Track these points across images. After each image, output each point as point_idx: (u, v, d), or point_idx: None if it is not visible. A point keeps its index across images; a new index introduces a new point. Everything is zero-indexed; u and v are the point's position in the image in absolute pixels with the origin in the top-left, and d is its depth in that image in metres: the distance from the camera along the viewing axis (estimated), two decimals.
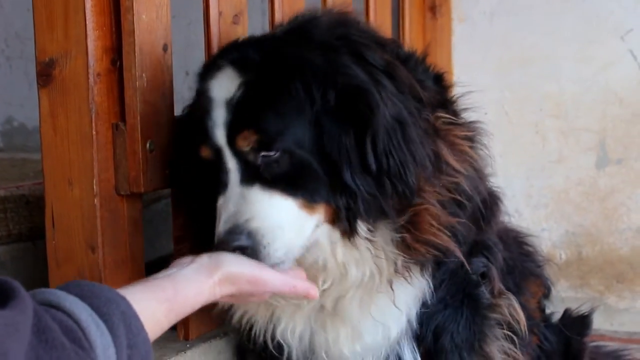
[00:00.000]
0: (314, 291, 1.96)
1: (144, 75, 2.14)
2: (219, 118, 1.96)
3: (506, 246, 2.52)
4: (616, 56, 3.51)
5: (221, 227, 1.91)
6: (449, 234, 2.08)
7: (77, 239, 2.14)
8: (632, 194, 3.53)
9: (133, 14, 2.11)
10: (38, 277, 2.39)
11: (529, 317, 2.56)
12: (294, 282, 1.92)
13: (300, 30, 2.10)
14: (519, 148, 3.66)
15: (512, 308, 2.42)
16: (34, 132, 4.39)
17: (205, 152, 2.00)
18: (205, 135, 1.98)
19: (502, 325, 2.41)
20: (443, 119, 2.16)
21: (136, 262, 2.24)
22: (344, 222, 1.98)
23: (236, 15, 2.45)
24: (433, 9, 3.70)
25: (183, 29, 3.59)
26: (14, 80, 4.60)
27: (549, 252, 3.50)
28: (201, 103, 2.03)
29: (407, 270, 2.09)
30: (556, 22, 3.56)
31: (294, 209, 1.94)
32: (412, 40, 3.55)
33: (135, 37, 2.12)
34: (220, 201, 1.96)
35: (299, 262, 2.02)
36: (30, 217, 2.72)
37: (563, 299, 3.42)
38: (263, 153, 1.92)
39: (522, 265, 2.67)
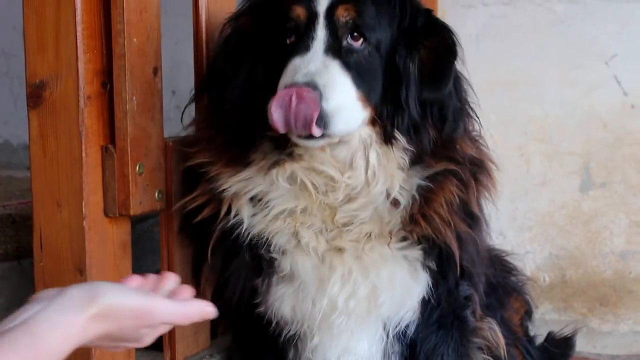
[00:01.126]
0: (209, 307, 1.68)
1: (134, 98, 2.15)
2: None
3: (490, 264, 2.55)
4: (600, 81, 3.54)
5: (297, 77, 1.99)
6: (455, 230, 2.20)
7: (65, 261, 2.14)
8: (616, 217, 3.56)
9: (124, 38, 2.12)
10: (23, 296, 2.38)
11: (512, 332, 2.60)
12: (186, 308, 1.63)
13: None
14: (504, 171, 3.67)
15: (492, 332, 2.48)
16: (19, 150, 4.40)
17: (299, 12, 2.10)
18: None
19: (484, 350, 2.45)
20: None
21: None
22: (384, 127, 2.13)
23: None
24: None
25: (170, 48, 3.59)
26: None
27: (533, 275, 3.52)
28: None
29: (409, 238, 2.20)
30: (542, 46, 3.59)
31: (354, 98, 2.06)
32: None
33: (126, 61, 2.13)
34: (296, 61, 2.04)
35: (333, 156, 2.13)
36: (16, 236, 2.72)
37: (547, 321, 3.44)
38: (351, 37, 2.08)
39: (504, 282, 2.72)
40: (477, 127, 2.40)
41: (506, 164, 3.64)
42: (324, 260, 2.20)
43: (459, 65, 2.24)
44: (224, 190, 2.16)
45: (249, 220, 2.18)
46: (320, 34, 2.07)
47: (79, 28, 2.09)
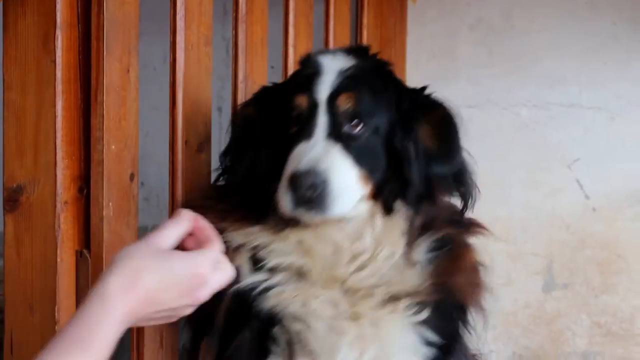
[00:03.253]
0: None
1: (110, 204, 2.17)
2: (327, 80, 2.23)
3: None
4: (563, 184, 3.64)
5: (301, 164, 2.11)
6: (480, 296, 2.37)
7: None
8: (578, 318, 3.62)
9: (103, 144, 2.16)
10: None
11: None
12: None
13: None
14: None
15: None
16: None
17: (301, 101, 2.23)
18: (306, 88, 2.23)
19: None
20: None
21: None
22: (384, 200, 2.23)
23: (201, 143, 2.52)
24: None
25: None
26: None
27: None
28: (309, 69, 2.29)
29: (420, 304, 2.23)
30: (507, 149, 3.69)
31: (355, 179, 2.17)
32: None
33: (104, 167, 2.16)
34: (301, 147, 2.15)
35: (340, 228, 2.20)
36: None
37: None
38: (351, 124, 2.20)
39: None
40: None
41: None
42: (334, 327, 2.22)
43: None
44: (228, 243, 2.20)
45: (255, 282, 2.22)
46: (322, 121, 2.19)
47: (59, 134, 2.12)
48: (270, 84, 2.45)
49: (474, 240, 2.48)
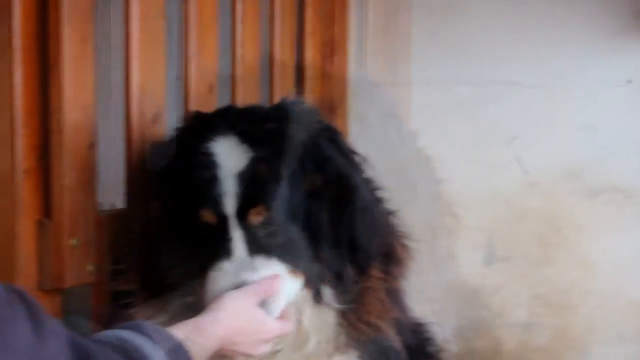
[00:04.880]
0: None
1: (71, 173, 2.18)
2: (229, 189, 2.12)
3: (410, 332, 2.65)
4: (503, 160, 3.72)
5: (231, 285, 2.08)
6: (389, 322, 2.30)
7: None
8: (518, 290, 3.71)
9: (62, 114, 2.16)
10: None
11: None
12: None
13: (286, 111, 2.30)
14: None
15: None
16: None
17: (208, 217, 2.14)
18: (211, 202, 2.13)
19: None
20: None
21: None
22: (315, 287, 2.21)
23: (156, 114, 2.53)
24: (332, 109, 3.83)
25: None
26: None
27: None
28: (206, 170, 2.15)
29: (347, 347, 2.26)
30: (449, 127, 3.76)
31: (285, 274, 2.15)
32: None
33: (63, 136, 2.17)
34: (225, 267, 2.10)
35: None
36: None
37: None
38: (268, 228, 2.13)
39: (423, 350, 2.80)
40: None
41: (413, 237, 3.80)
42: None
43: (365, 197, 2.30)
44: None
45: None
46: (237, 234, 2.12)
47: (17, 103, 2.12)
48: (163, 164, 2.29)
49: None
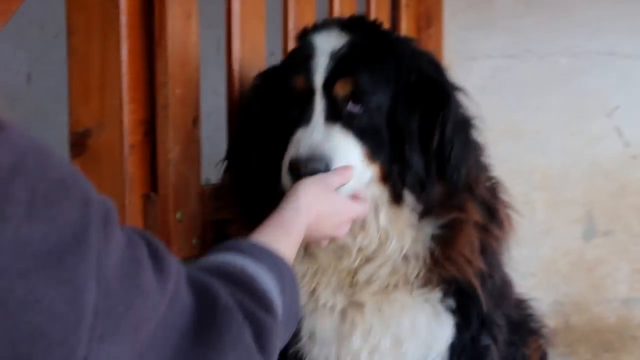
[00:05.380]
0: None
1: (176, 147, 2.21)
2: (321, 63, 2.17)
3: (514, 306, 2.63)
4: (603, 132, 3.66)
5: (302, 150, 2.10)
6: (476, 268, 2.26)
7: None
8: (618, 265, 3.65)
9: (168, 89, 2.19)
10: None
11: None
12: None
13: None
14: None
15: None
16: None
17: (297, 87, 2.19)
18: (302, 71, 2.19)
19: None
20: None
21: None
22: (393, 185, 2.19)
23: None
24: None
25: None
26: None
27: None
28: (303, 51, 2.24)
29: (429, 283, 2.25)
30: (545, 98, 3.71)
31: (359, 156, 2.14)
32: None
33: (169, 111, 2.19)
34: (300, 133, 2.13)
35: None
36: None
37: None
38: (350, 103, 2.16)
39: (525, 323, 2.78)
40: (491, 173, 2.47)
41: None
42: (344, 317, 2.27)
43: (460, 112, 2.31)
44: None
45: None
46: (319, 105, 2.15)
47: (124, 79, 2.14)
48: (267, 68, 2.41)
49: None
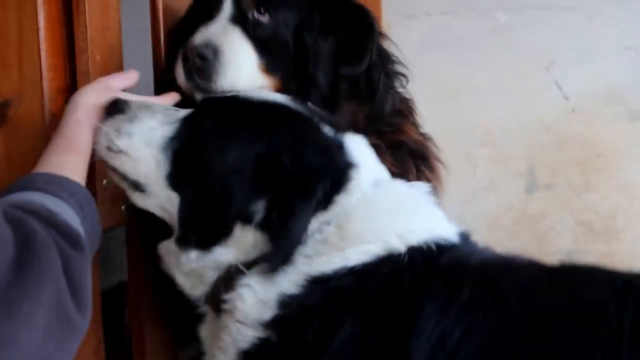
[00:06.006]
0: None
1: None
2: None
3: None
4: (542, 86, 3.66)
5: (197, 37, 2.15)
6: None
7: None
8: (561, 218, 3.68)
9: (88, 56, 2.15)
10: None
11: None
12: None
13: None
14: (451, 176, 3.77)
15: None
16: None
17: None
18: None
19: None
20: None
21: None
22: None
23: None
24: None
25: None
26: None
27: None
28: None
29: None
30: (484, 55, 3.70)
31: (255, 66, 2.18)
32: None
33: (90, 78, 2.16)
34: (201, 29, 2.19)
35: None
36: None
37: None
38: (258, 10, 2.20)
39: None
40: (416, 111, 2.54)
41: (453, 169, 3.77)
42: None
43: (385, 45, 2.38)
44: None
45: None
46: (227, 7, 2.21)
47: (43, 47, 2.11)
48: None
49: None
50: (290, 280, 1.82)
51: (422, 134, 2.47)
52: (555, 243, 3.68)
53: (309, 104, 2.13)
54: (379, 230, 1.85)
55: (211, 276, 1.94)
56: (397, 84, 2.42)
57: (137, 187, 2.01)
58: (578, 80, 3.65)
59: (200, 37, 2.15)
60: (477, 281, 1.77)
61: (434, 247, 1.85)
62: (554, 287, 1.79)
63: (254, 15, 2.20)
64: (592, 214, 3.66)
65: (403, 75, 2.46)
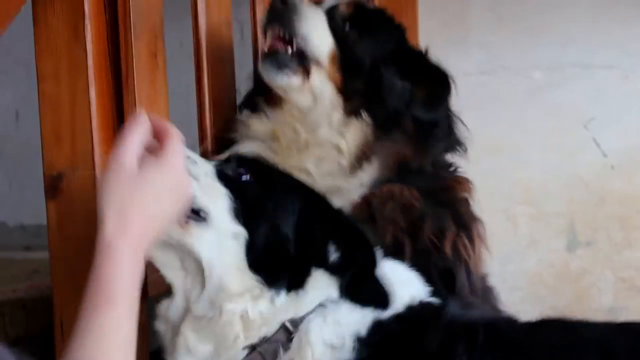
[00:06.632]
0: None
1: None
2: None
3: None
4: (580, 144, 3.69)
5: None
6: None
7: None
8: (602, 275, 3.68)
9: None
10: None
11: None
12: None
13: None
14: (492, 234, 3.79)
15: None
16: (15, 231, 4.45)
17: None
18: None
19: None
20: None
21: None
22: (350, 97, 2.38)
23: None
24: None
25: None
26: None
27: None
28: None
29: None
30: (523, 113, 3.75)
31: (327, 49, 2.37)
32: None
33: None
34: None
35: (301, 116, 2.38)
36: (26, 321, 2.76)
37: None
38: (349, 22, 2.42)
39: None
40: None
41: (494, 227, 3.79)
42: None
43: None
44: None
45: None
46: (322, 8, 2.43)
47: (94, 121, 2.18)
48: None
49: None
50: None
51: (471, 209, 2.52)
52: (596, 300, 3.68)
53: None
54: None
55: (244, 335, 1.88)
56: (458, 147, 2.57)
57: (199, 216, 1.88)
58: (616, 137, 3.68)
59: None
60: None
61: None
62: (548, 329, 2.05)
63: (343, 25, 2.38)
64: (633, 270, 3.66)
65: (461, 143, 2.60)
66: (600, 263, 3.69)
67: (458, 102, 3.79)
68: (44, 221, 2.24)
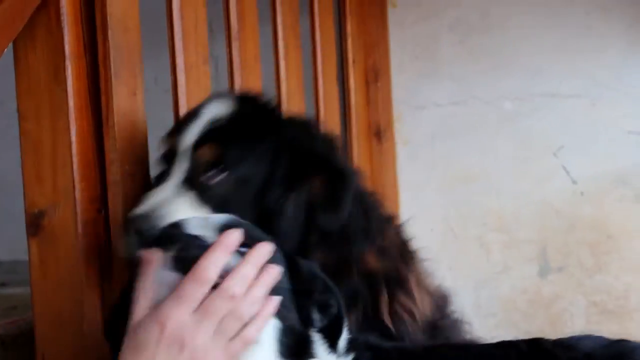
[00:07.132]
0: None
1: None
2: (197, 126, 2.17)
3: None
4: (550, 171, 3.77)
5: (140, 207, 2.08)
6: None
7: None
8: (574, 299, 3.75)
9: (117, 166, 2.27)
10: None
11: None
12: None
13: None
14: (466, 261, 3.87)
15: None
16: None
17: (166, 145, 2.23)
18: (174, 134, 2.22)
19: None
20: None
21: None
22: None
23: None
24: (378, 134, 3.93)
25: None
26: None
27: None
28: (187, 116, 2.26)
29: None
30: (493, 142, 3.83)
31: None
32: (360, 164, 3.76)
33: (120, 187, 2.27)
34: (151, 192, 2.14)
35: None
36: (5, 358, 2.78)
37: None
38: (212, 172, 2.11)
39: None
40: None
41: (467, 254, 3.87)
42: None
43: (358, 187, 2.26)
44: None
45: None
46: (180, 168, 2.15)
47: (75, 159, 2.21)
48: None
49: None
50: None
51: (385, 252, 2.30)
52: (569, 324, 3.75)
53: None
54: None
55: None
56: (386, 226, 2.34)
57: None
58: (585, 164, 3.76)
59: (144, 206, 2.09)
60: None
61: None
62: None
63: (206, 177, 2.12)
64: (604, 294, 3.73)
65: (391, 218, 2.40)
66: (572, 288, 3.75)
67: (430, 131, 3.90)
68: (20, 257, 2.26)
